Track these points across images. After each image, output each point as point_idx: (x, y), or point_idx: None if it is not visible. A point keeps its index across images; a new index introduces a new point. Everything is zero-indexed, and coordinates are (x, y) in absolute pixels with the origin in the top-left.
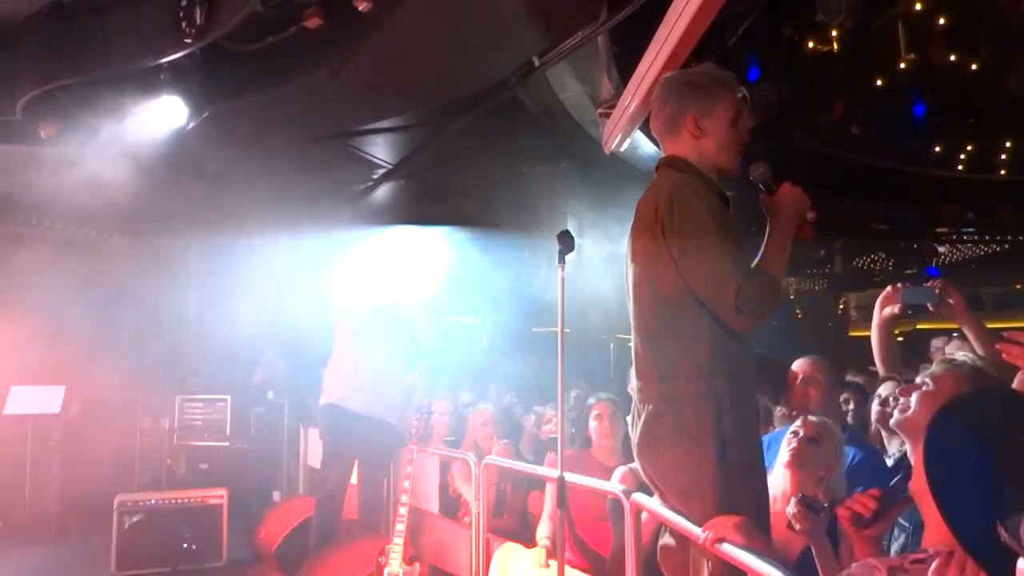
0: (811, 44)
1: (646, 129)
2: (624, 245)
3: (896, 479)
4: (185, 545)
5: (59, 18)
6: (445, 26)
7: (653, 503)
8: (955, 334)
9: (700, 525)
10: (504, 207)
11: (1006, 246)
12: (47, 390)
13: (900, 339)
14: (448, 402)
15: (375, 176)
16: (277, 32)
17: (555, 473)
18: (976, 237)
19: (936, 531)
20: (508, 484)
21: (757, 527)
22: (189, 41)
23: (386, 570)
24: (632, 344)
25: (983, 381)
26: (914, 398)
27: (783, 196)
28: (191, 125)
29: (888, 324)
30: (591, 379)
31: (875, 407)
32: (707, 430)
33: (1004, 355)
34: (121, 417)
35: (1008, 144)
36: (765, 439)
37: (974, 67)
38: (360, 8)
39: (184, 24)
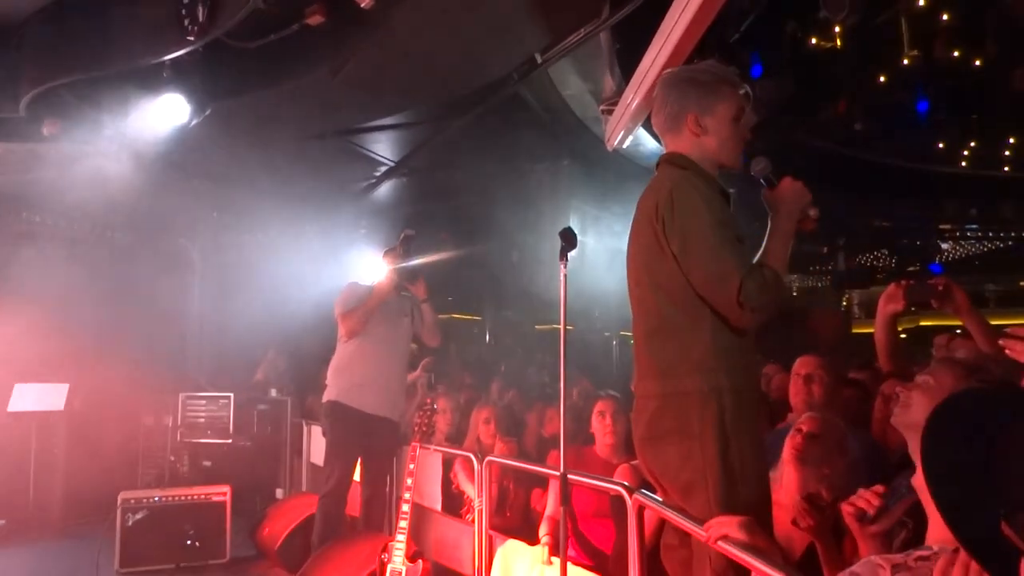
0: (814, 40)
1: (648, 126)
2: (626, 242)
3: (900, 476)
4: (188, 542)
5: (62, 16)
6: (447, 23)
7: (655, 500)
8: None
9: (702, 522)
10: (506, 204)
11: (1009, 243)
12: (51, 387)
13: (903, 336)
14: (450, 399)
15: (377, 173)
16: (279, 29)
17: (558, 471)
18: (979, 234)
19: (940, 528)
20: (510, 481)
21: (760, 525)
22: (191, 39)
23: (389, 567)
24: (633, 340)
25: (982, 378)
26: (914, 395)
27: (784, 191)
28: (193, 123)
29: (892, 321)
30: (594, 376)
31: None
32: (709, 427)
33: (1007, 351)
34: (125, 414)
35: (1011, 141)
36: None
37: (977, 63)
38: (362, 5)
39: (186, 21)
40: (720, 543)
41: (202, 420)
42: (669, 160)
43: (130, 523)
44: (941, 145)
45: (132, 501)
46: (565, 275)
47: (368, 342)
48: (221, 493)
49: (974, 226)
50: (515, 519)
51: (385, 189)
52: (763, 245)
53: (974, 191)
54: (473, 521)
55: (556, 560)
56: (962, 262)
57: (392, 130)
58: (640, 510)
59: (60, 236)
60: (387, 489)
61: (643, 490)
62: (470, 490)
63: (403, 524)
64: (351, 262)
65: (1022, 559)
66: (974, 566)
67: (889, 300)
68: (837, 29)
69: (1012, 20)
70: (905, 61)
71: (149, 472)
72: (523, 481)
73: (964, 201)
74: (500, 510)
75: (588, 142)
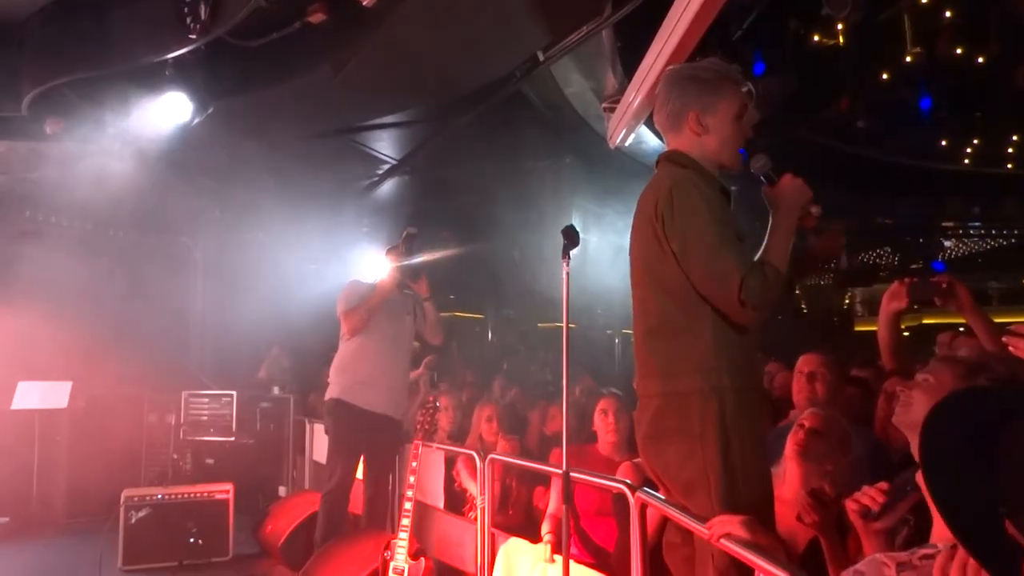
0: (816, 38)
1: (651, 124)
2: (628, 240)
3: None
4: (191, 540)
5: (64, 15)
6: (449, 21)
7: (658, 498)
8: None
9: (704, 520)
10: (508, 202)
11: (1012, 240)
12: (54, 386)
13: (906, 333)
14: (453, 397)
15: (379, 171)
16: (281, 28)
17: (560, 468)
18: (982, 231)
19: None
20: (513, 479)
21: (762, 523)
22: (193, 37)
23: (392, 565)
24: (634, 339)
25: (983, 376)
26: (914, 394)
27: (784, 188)
28: (196, 121)
29: (895, 319)
30: (596, 374)
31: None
32: (710, 425)
33: (1011, 349)
34: (127, 413)
35: (1015, 138)
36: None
37: (980, 60)
38: (364, 3)
39: (188, 20)
40: (723, 541)
41: (205, 418)
42: (669, 158)
43: (133, 521)
44: (944, 142)
45: (135, 499)
46: (567, 273)
47: (370, 340)
48: (224, 491)
49: (977, 224)
50: (517, 517)
51: (387, 187)
52: (764, 242)
53: (977, 188)
54: (475, 519)
55: (558, 558)
56: (965, 260)
57: (394, 128)
58: (642, 508)
59: (63, 235)
60: (389, 487)
61: (645, 488)
62: (472, 488)
63: (405, 522)
64: (353, 260)
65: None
66: (972, 564)
67: (893, 298)
68: (840, 26)
69: (1015, 18)
70: (908, 58)
71: (152, 470)
72: (525, 479)
73: (967, 198)
74: (502, 508)
75: (590, 140)
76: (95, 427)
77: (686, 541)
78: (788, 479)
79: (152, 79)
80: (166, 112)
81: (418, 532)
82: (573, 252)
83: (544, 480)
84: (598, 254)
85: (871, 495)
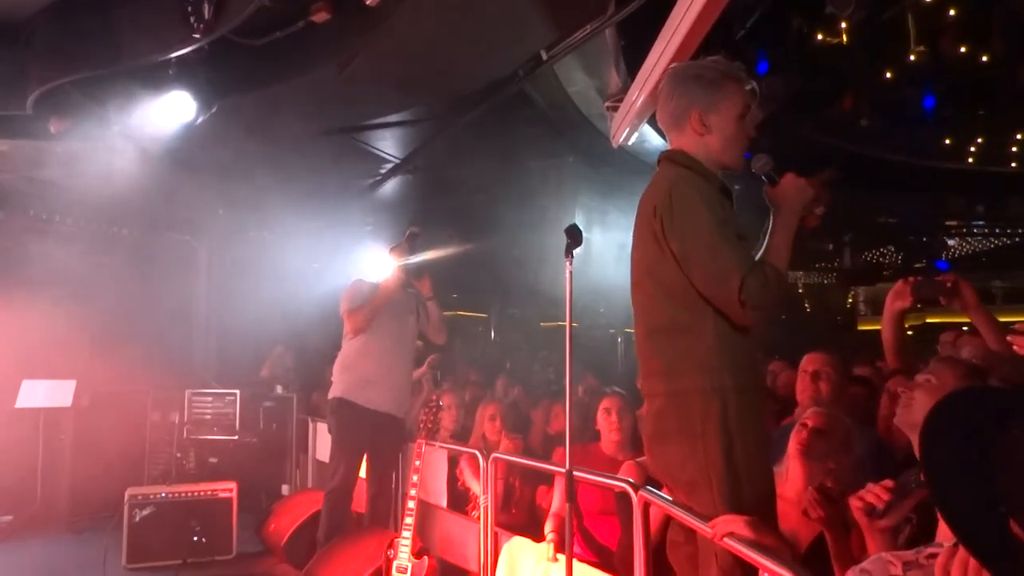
0: (820, 36)
1: (654, 123)
2: (631, 239)
3: (908, 472)
4: (195, 538)
5: (68, 14)
6: (453, 20)
7: (661, 497)
8: (964, 328)
9: (707, 519)
10: (511, 201)
11: (1016, 239)
12: (58, 384)
13: (909, 333)
14: (456, 396)
15: (383, 170)
16: (285, 26)
17: (563, 467)
18: (986, 230)
19: None
20: (516, 478)
21: (765, 523)
22: (197, 36)
23: (395, 563)
24: (636, 339)
25: (983, 376)
26: (915, 394)
27: (786, 187)
28: (200, 120)
29: (899, 318)
30: (599, 373)
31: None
32: (712, 425)
33: (1015, 348)
34: (131, 411)
35: (1018, 136)
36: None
37: (984, 59)
38: (368, 2)
39: (192, 19)
40: (728, 540)
41: (208, 417)
42: (670, 157)
43: (137, 519)
44: (947, 141)
45: (139, 497)
46: (571, 272)
47: (374, 339)
48: (227, 489)
49: (981, 222)
50: (521, 516)
51: (391, 186)
52: (765, 242)
53: (981, 187)
54: (479, 518)
55: (562, 557)
56: (968, 258)
57: (398, 127)
58: (645, 507)
59: (67, 233)
60: (393, 486)
61: (648, 487)
62: (476, 487)
63: (409, 521)
64: (357, 259)
65: None
66: (973, 563)
67: (897, 296)
68: (843, 25)
69: (1019, 16)
70: (912, 57)
71: (156, 468)
72: (529, 478)
73: (971, 197)
74: (506, 507)
75: (593, 139)
76: (99, 425)
77: (689, 540)
78: (791, 478)
79: (156, 78)
80: (170, 111)
81: (421, 531)
82: (576, 251)
83: (547, 479)
84: (601, 253)
85: (876, 492)
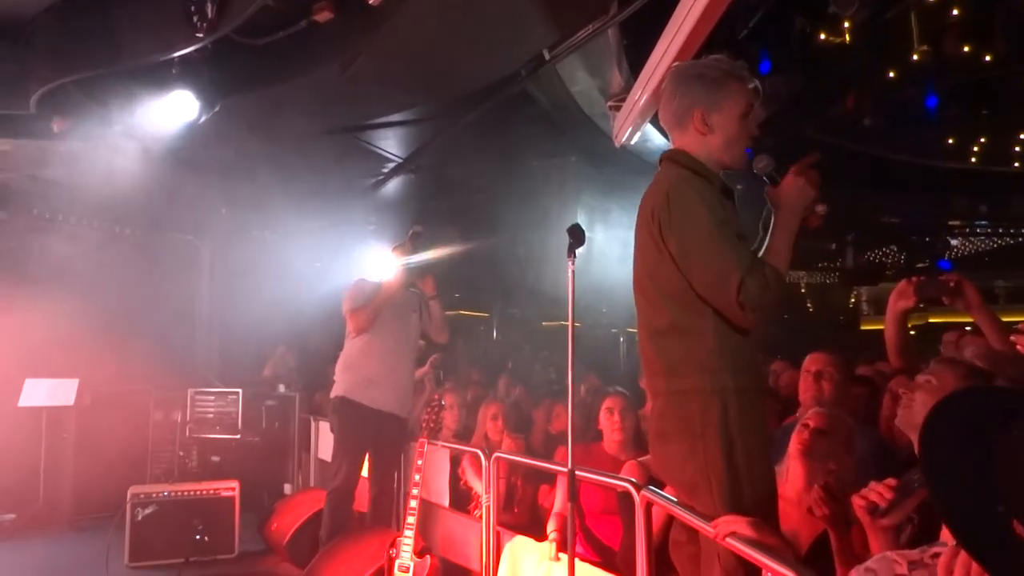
0: (823, 36)
1: (656, 122)
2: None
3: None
4: (197, 537)
5: (71, 13)
6: (455, 20)
7: (663, 497)
8: (967, 327)
9: (709, 519)
10: (514, 200)
11: (1019, 239)
12: (61, 383)
13: (912, 332)
14: (458, 396)
15: (385, 170)
16: (288, 26)
17: (565, 467)
18: (989, 230)
19: None
20: (518, 478)
21: (766, 523)
22: (200, 35)
23: (397, 563)
24: (638, 339)
25: (984, 377)
26: (916, 395)
27: (788, 188)
28: (202, 119)
29: (902, 318)
30: (601, 372)
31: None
32: (712, 427)
33: (1019, 347)
34: (134, 410)
35: (1022, 136)
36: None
37: (988, 58)
38: (370, 2)
39: (195, 18)
40: (730, 540)
41: (211, 415)
42: (670, 157)
43: (139, 518)
44: (950, 141)
45: (141, 496)
46: (573, 272)
47: (376, 338)
48: (230, 488)
49: (983, 222)
50: (523, 515)
51: (393, 185)
52: (766, 242)
53: (984, 187)
54: (481, 517)
55: (564, 556)
56: (971, 258)
57: (400, 127)
58: (648, 506)
59: (70, 232)
60: (395, 485)
61: (650, 486)
62: (478, 486)
63: (411, 520)
64: (359, 258)
65: None
66: (975, 564)
67: (900, 296)
68: (846, 24)
69: (1022, 16)
70: (915, 57)
71: (158, 467)
72: (531, 477)
73: (973, 197)
74: (508, 506)
75: (596, 138)
76: (101, 424)
77: (692, 539)
78: (792, 478)
79: (159, 77)
80: (173, 110)
81: (423, 530)
82: (579, 250)
83: (549, 478)
84: (603, 252)
85: (879, 491)
